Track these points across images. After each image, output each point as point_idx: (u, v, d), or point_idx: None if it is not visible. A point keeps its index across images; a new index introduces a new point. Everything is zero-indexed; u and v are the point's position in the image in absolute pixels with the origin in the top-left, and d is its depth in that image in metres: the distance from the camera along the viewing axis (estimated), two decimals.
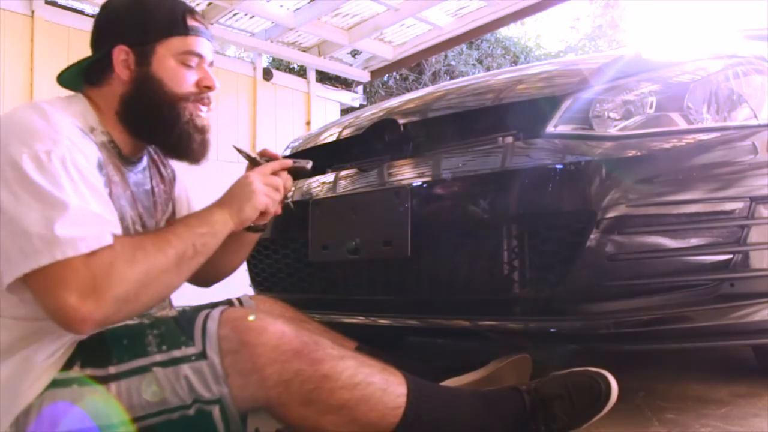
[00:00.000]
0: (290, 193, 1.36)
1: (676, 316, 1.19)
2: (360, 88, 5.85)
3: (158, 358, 0.91)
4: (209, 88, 1.08)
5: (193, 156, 1.09)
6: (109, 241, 0.86)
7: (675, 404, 1.36)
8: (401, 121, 1.54)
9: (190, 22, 1.06)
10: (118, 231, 0.90)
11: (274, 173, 1.13)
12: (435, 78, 7.75)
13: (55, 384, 0.89)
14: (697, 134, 1.26)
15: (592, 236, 1.14)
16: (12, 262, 0.83)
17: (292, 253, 1.68)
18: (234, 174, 1.14)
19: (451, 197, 1.35)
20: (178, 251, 0.93)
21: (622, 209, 1.14)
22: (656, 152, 1.20)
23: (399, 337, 2.34)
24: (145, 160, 1.14)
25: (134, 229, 1.05)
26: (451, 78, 7.62)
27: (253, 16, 4.48)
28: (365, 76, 5.53)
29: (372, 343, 1.31)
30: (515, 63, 8.56)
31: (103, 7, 1.08)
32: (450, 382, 1.23)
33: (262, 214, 1.11)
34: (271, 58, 5.82)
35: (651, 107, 1.27)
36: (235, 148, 1.20)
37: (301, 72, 5.63)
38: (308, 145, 1.90)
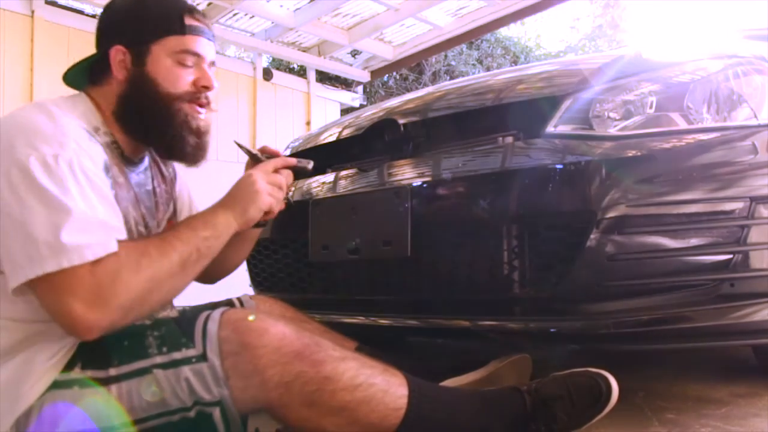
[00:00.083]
0: (290, 193, 1.36)
1: (676, 316, 1.19)
2: (360, 88, 5.85)
3: (159, 360, 0.91)
4: (207, 88, 1.06)
5: (187, 158, 1.07)
6: (115, 248, 0.86)
7: (675, 404, 1.36)
8: (401, 121, 1.53)
9: (189, 21, 1.04)
10: (124, 236, 0.90)
11: (276, 171, 1.12)
12: (435, 78, 7.74)
13: (55, 385, 0.89)
14: (697, 134, 1.26)
15: (592, 236, 1.14)
16: (18, 267, 0.83)
17: (292, 253, 1.68)
18: (234, 174, 1.12)
19: (451, 197, 1.35)
20: (182, 256, 0.93)
21: (622, 209, 1.14)
22: (656, 152, 1.20)
23: (399, 337, 2.34)
24: (146, 161, 1.14)
25: (137, 229, 1.05)
26: (451, 78, 7.61)
27: (253, 16, 4.48)
28: (365, 76, 5.53)
29: (372, 343, 1.31)
30: (515, 63, 8.55)
31: (106, 7, 1.09)
32: (450, 382, 1.23)
33: (266, 213, 1.10)
34: (271, 58, 5.82)
35: (651, 107, 1.27)
36: (236, 143, 1.20)
37: (301, 72, 5.62)
38: (308, 145, 1.90)
